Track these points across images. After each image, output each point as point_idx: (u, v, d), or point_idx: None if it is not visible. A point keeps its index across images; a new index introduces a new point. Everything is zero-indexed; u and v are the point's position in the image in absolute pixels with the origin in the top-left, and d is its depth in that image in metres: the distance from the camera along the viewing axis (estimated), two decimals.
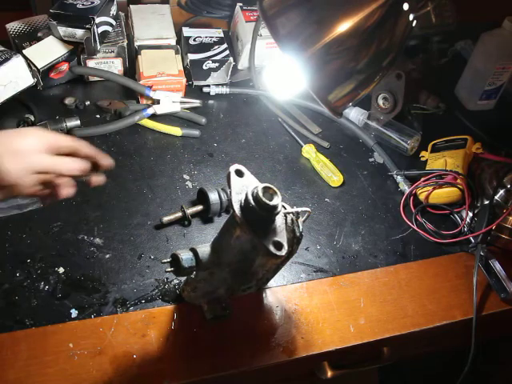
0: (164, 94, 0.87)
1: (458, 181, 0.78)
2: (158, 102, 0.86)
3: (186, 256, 0.56)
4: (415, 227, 0.77)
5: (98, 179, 0.61)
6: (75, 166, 0.58)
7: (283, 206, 0.54)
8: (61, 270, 0.64)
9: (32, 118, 0.80)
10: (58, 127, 0.79)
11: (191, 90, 0.93)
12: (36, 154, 0.57)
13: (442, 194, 0.79)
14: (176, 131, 0.85)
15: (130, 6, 0.98)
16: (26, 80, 0.81)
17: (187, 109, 0.89)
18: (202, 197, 0.73)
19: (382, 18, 0.56)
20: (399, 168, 0.86)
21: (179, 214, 0.71)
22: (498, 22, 0.97)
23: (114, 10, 0.92)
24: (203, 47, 0.95)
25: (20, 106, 0.82)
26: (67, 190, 0.58)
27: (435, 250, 0.76)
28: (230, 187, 0.51)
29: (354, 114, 0.93)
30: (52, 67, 0.85)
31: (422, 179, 0.81)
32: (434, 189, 0.79)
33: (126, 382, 0.55)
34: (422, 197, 0.80)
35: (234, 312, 0.62)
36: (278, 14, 0.58)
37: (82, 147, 0.60)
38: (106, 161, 0.61)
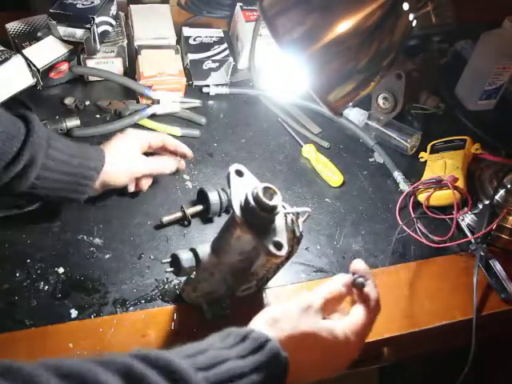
0: (164, 94, 0.87)
1: (458, 183, 0.78)
2: (157, 101, 0.86)
3: (185, 256, 0.56)
4: (412, 232, 0.76)
5: (183, 166, 0.75)
6: (173, 165, 0.71)
7: (283, 206, 0.54)
8: (61, 270, 0.64)
9: None
10: (57, 127, 0.79)
11: (191, 90, 0.93)
12: (142, 160, 0.68)
13: (443, 196, 0.79)
14: (176, 131, 0.85)
15: (130, 5, 0.98)
16: (25, 80, 0.81)
17: (187, 109, 0.89)
18: (201, 197, 0.73)
19: (381, 17, 0.56)
20: (399, 168, 0.86)
21: (179, 214, 0.71)
22: (497, 21, 0.97)
23: (113, 9, 0.92)
24: (203, 47, 0.95)
25: (20, 105, 0.82)
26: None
27: (435, 250, 0.76)
28: (229, 187, 0.51)
29: (354, 114, 0.93)
30: (52, 67, 0.85)
31: (422, 181, 0.82)
32: (435, 190, 0.79)
33: None
34: (421, 199, 0.80)
35: (234, 312, 0.62)
36: (278, 14, 0.58)
37: (170, 142, 0.71)
38: (189, 151, 0.74)
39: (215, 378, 0.38)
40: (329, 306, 0.49)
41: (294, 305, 0.48)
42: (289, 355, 0.43)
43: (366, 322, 0.49)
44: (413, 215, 0.78)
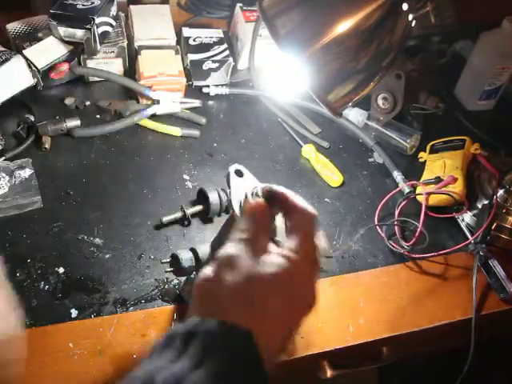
0: (164, 94, 0.87)
1: (457, 182, 0.78)
2: (157, 102, 0.86)
3: (185, 256, 0.57)
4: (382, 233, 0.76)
5: None
6: None
7: None
8: (61, 270, 0.64)
9: (32, 118, 0.80)
10: (58, 127, 0.79)
11: (191, 90, 0.93)
12: None
13: (442, 197, 0.79)
14: (176, 131, 0.85)
15: (130, 6, 0.98)
16: (26, 80, 0.81)
17: (187, 109, 0.89)
18: (201, 197, 0.73)
19: (381, 18, 0.56)
20: (399, 168, 0.86)
21: (179, 214, 0.71)
22: (497, 22, 0.97)
23: (114, 10, 0.92)
24: (203, 47, 0.95)
25: (20, 106, 0.83)
26: None
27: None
28: (229, 187, 0.51)
29: (354, 115, 0.93)
30: (52, 67, 0.85)
31: (421, 181, 0.82)
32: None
33: None
34: (420, 199, 0.80)
35: None
36: (278, 15, 0.58)
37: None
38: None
39: None
40: (257, 243, 0.41)
41: (219, 268, 0.39)
42: (245, 325, 0.36)
43: (302, 235, 0.42)
44: (396, 217, 0.78)
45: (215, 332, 0.34)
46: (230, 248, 0.40)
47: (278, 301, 0.38)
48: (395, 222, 0.76)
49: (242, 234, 0.41)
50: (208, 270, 0.40)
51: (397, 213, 0.78)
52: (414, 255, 0.74)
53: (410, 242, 0.73)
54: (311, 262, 0.41)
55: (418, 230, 0.73)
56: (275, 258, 0.40)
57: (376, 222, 0.78)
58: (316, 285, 0.42)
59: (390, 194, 0.80)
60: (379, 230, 0.76)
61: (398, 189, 0.82)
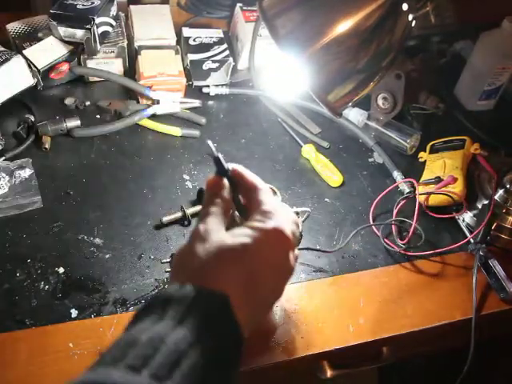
0: (164, 94, 0.87)
1: (457, 182, 0.78)
2: (157, 102, 0.87)
3: None
4: (379, 233, 0.76)
5: None
6: None
7: None
8: (61, 270, 0.64)
9: (32, 119, 0.80)
10: (58, 127, 0.79)
11: (191, 91, 0.93)
12: None
13: (441, 197, 0.79)
14: (176, 131, 0.85)
15: (130, 6, 0.98)
16: (26, 80, 0.81)
17: (187, 109, 0.89)
18: (201, 197, 0.73)
19: (381, 18, 0.56)
20: (399, 168, 0.86)
21: (179, 214, 0.71)
22: (497, 22, 0.97)
23: (114, 10, 0.92)
24: (203, 47, 0.95)
25: (20, 106, 0.83)
26: None
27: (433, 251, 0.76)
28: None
29: (354, 115, 0.93)
30: (52, 67, 0.85)
31: (421, 181, 0.82)
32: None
33: None
34: (421, 199, 0.80)
35: None
36: (278, 15, 0.58)
37: None
38: None
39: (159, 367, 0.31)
40: (222, 213, 0.44)
41: (193, 240, 0.41)
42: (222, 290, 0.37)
43: (267, 207, 0.43)
44: (393, 217, 0.78)
45: (192, 296, 0.36)
46: (201, 222, 0.43)
47: (249, 267, 0.40)
48: (392, 222, 0.76)
49: (205, 209, 0.44)
50: (183, 244, 0.42)
51: (395, 212, 0.77)
52: (412, 254, 0.74)
53: (405, 241, 0.73)
54: (282, 231, 0.42)
55: (412, 227, 0.73)
56: (244, 229, 0.42)
57: (371, 220, 0.78)
58: (292, 254, 0.43)
59: (386, 191, 0.80)
60: (375, 230, 0.76)
61: (393, 185, 0.82)
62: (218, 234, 0.41)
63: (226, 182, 0.46)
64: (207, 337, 0.34)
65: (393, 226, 0.76)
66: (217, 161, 0.46)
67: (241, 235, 0.41)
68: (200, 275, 0.39)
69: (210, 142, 0.47)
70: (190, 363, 0.32)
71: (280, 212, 0.44)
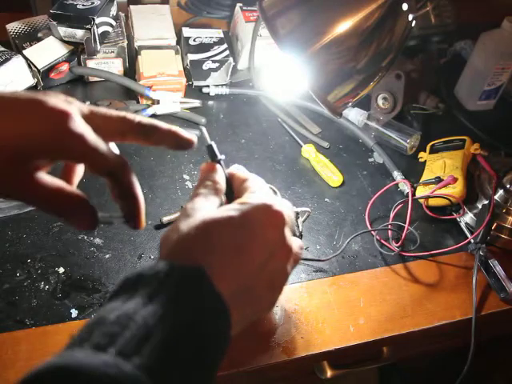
0: (164, 94, 0.87)
1: (457, 182, 0.78)
2: (157, 102, 0.87)
3: None
4: (377, 236, 0.76)
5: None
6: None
7: None
8: (61, 270, 0.64)
9: None
10: None
11: (191, 91, 0.93)
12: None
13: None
14: None
15: (130, 6, 0.98)
16: (26, 80, 0.81)
17: (187, 109, 0.89)
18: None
19: (381, 18, 0.56)
20: (399, 168, 0.86)
21: (179, 214, 0.71)
22: (497, 22, 0.97)
23: (114, 10, 0.92)
24: (203, 47, 0.95)
25: None
26: None
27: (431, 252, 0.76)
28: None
29: (354, 115, 0.93)
30: (52, 67, 0.85)
31: (421, 181, 0.82)
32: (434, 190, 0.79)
33: None
34: (420, 199, 0.80)
35: None
36: (278, 15, 0.58)
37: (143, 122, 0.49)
38: (189, 136, 0.51)
39: (126, 345, 0.30)
40: (212, 194, 0.43)
41: (178, 219, 0.40)
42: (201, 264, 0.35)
43: (257, 189, 0.43)
44: (390, 219, 0.77)
45: (164, 271, 0.34)
46: (188, 202, 0.42)
47: (235, 240, 0.38)
48: (388, 227, 0.76)
49: (195, 191, 0.43)
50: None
51: (392, 215, 0.77)
52: (412, 254, 0.74)
53: (398, 243, 0.73)
54: (272, 205, 0.40)
55: (405, 229, 0.73)
56: (232, 204, 0.40)
57: (367, 220, 0.77)
58: (287, 232, 0.41)
59: (381, 191, 0.79)
60: (373, 232, 0.76)
61: (390, 184, 0.82)
62: (204, 210, 0.40)
63: (218, 167, 0.46)
64: (179, 311, 0.33)
65: (389, 232, 0.76)
66: (210, 149, 0.47)
67: (227, 209, 0.39)
68: (178, 249, 0.37)
69: (204, 129, 0.47)
70: (160, 337, 0.31)
71: (271, 194, 0.43)
